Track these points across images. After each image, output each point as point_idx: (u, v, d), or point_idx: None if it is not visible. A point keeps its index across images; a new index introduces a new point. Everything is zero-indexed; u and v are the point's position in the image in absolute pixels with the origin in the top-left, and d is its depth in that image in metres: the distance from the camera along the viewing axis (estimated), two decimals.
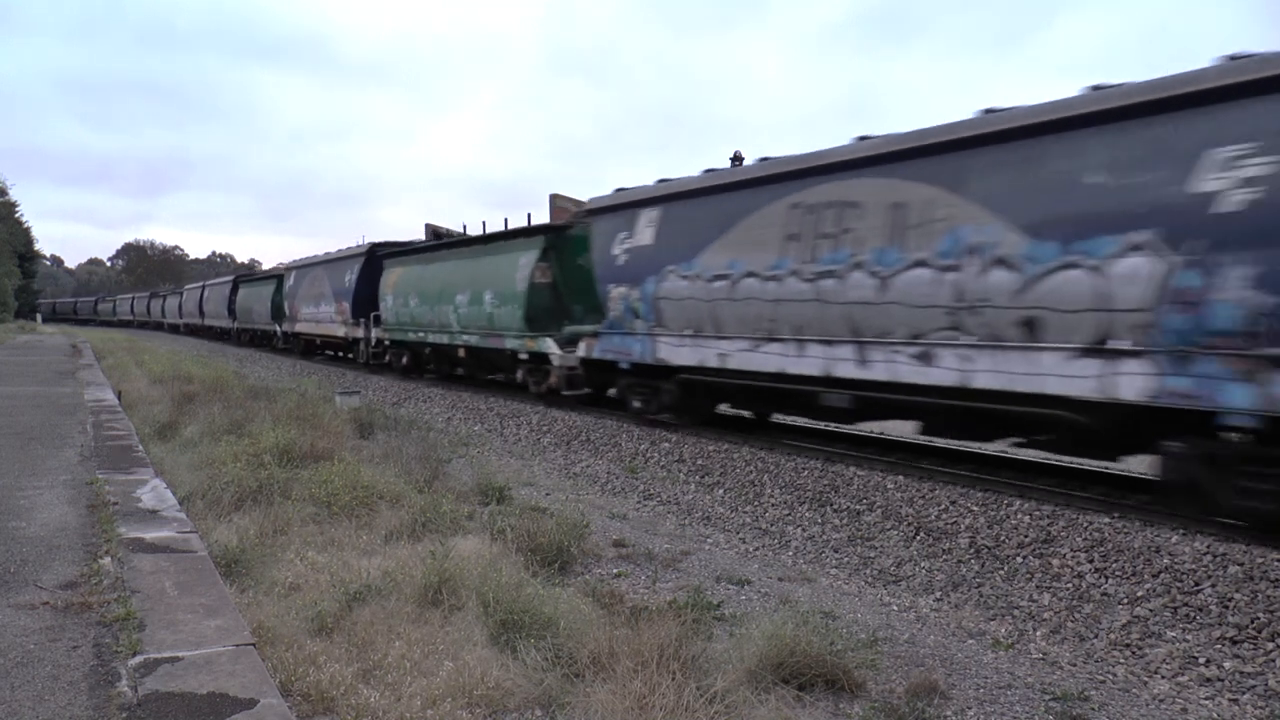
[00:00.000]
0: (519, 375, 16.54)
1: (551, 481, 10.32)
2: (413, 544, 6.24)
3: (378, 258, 23.38)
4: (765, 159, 10.86)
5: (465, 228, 23.45)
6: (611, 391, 14.49)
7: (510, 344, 16.25)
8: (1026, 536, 7.11)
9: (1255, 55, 6.61)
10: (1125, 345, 7.09)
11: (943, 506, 7.96)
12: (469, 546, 6.06)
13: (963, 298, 8.18)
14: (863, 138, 9.52)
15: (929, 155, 8.62)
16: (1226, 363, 6.49)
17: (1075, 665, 5.23)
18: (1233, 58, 6.71)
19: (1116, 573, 6.32)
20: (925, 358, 8.58)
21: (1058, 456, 9.53)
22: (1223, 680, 4.97)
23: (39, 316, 68.86)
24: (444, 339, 19.04)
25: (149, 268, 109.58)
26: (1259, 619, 5.42)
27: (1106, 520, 7.09)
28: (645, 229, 12.44)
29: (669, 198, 12.11)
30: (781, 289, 10.09)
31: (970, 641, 5.54)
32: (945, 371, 8.39)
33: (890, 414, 10.09)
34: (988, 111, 8.26)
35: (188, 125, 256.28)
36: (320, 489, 7.30)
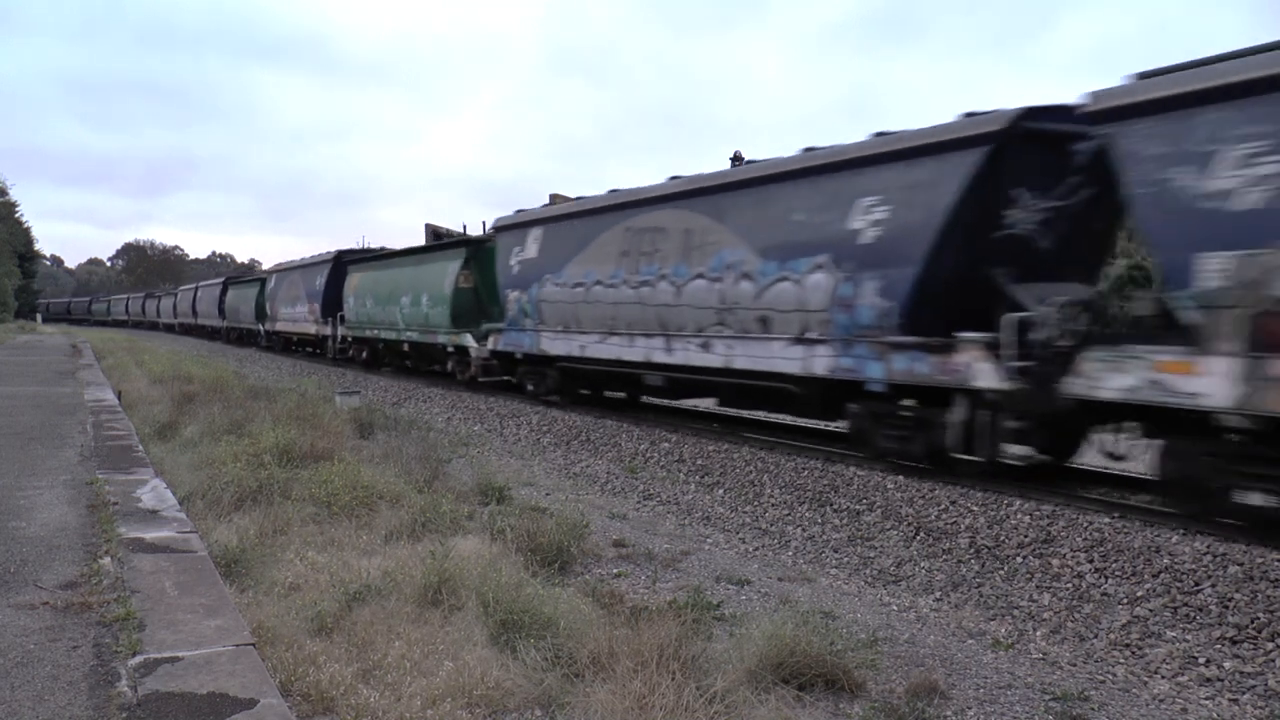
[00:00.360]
0: (449, 366, 19.48)
1: (551, 481, 10.32)
2: (413, 544, 6.24)
3: (343, 263, 26.31)
4: (613, 191, 13.65)
5: (465, 228, 23.75)
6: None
7: (441, 339, 19.27)
8: (1026, 536, 7.11)
9: (888, 134, 9.32)
10: (815, 336, 9.75)
11: (943, 506, 7.96)
12: (469, 546, 6.06)
13: (725, 302, 10.97)
14: (674, 178, 12.38)
15: (706, 194, 11.47)
16: (870, 347, 9.09)
17: (1075, 665, 5.23)
18: (879, 134, 9.39)
19: (1116, 573, 6.32)
20: (706, 346, 11.34)
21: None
22: (1223, 680, 4.97)
23: (39, 316, 68.87)
24: (393, 335, 22.01)
25: (149, 268, 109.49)
26: (1259, 619, 5.42)
27: (1106, 520, 7.09)
28: (532, 244, 15.36)
29: (549, 219, 15.05)
30: (618, 294, 12.97)
31: (970, 641, 5.54)
32: (717, 356, 11.16)
33: (693, 391, 12.90)
34: (745, 163, 11.20)
35: (188, 125, 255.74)
36: (320, 489, 7.30)
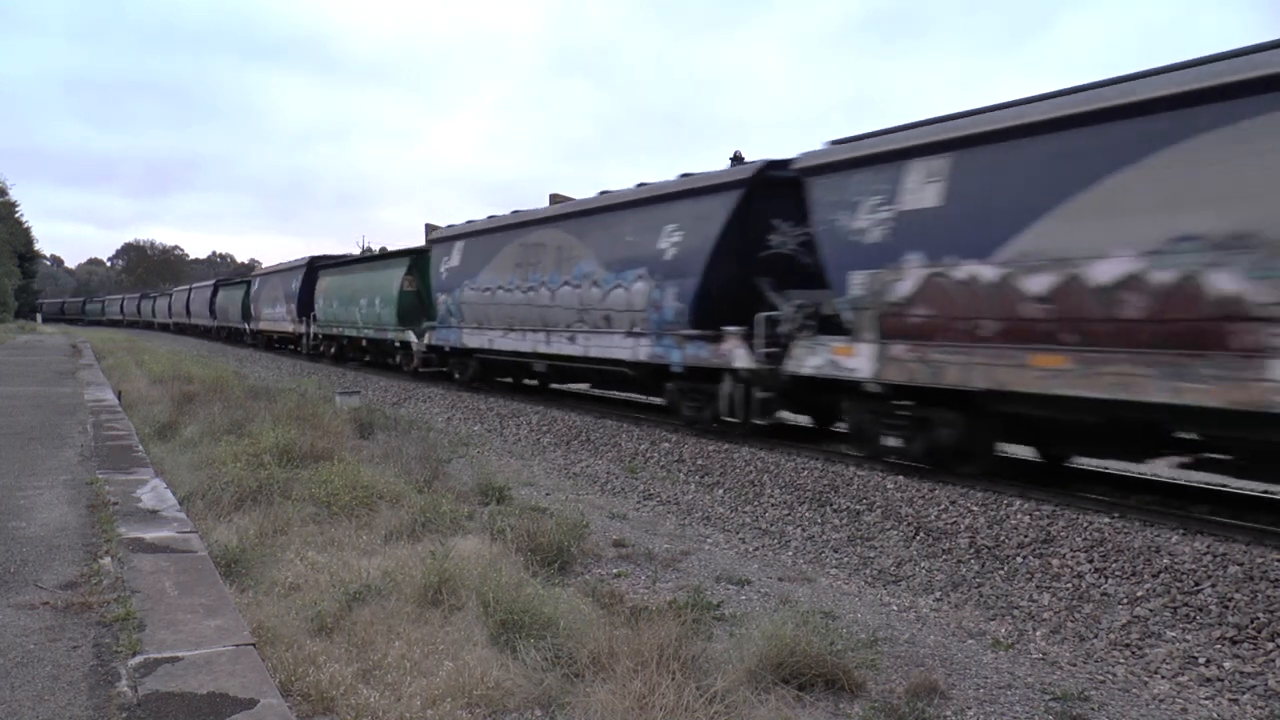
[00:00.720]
0: (397, 359, 22.54)
1: (551, 481, 10.32)
2: (412, 544, 6.24)
3: (315, 268, 29.31)
4: (515, 211, 16.66)
5: None
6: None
7: (390, 335, 22.29)
8: (1026, 536, 7.11)
9: (688, 175, 12.25)
10: (640, 330, 12.57)
11: (943, 506, 7.96)
12: (469, 546, 6.06)
13: (582, 304, 13.77)
14: (554, 201, 15.97)
15: (573, 217, 14.45)
16: (672, 338, 11.97)
17: (1075, 665, 5.23)
18: (682, 175, 12.32)
19: (1116, 573, 6.32)
20: (572, 339, 14.11)
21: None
22: (1223, 680, 4.97)
23: (39, 316, 68.90)
24: (354, 332, 25.17)
25: (149, 268, 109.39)
26: (1259, 619, 5.42)
27: (1106, 520, 7.09)
28: (456, 255, 18.29)
29: (468, 234, 17.97)
30: (513, 298, 15.86)
31: (970, 641, 5.53)
32: (579, 347, 13.93)
33: (568, 377, 16.12)
34: (602, 193, 14.06)
35: (189, 125, 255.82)
36: (320, 489, 7.30)
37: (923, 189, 8.52)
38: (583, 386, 17.04)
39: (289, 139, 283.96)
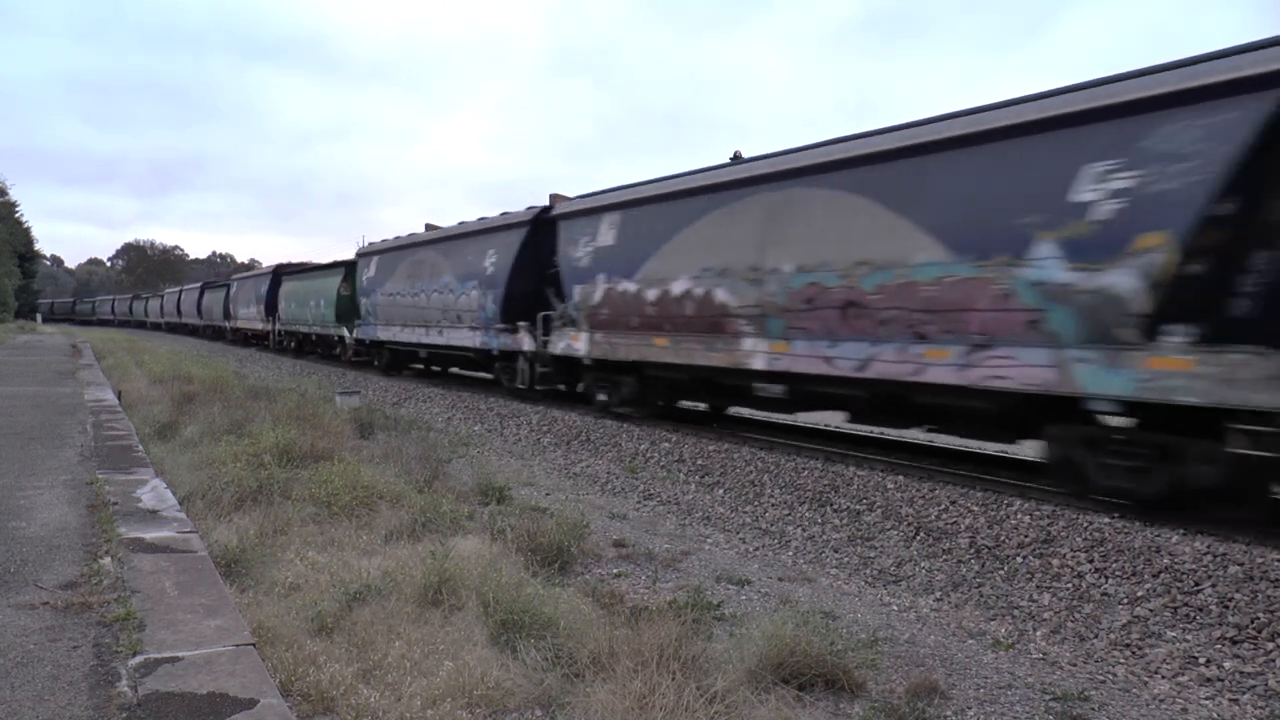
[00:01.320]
0: (337, 351, 27.73)
1: (551, 481, 10.31)
2: (413, 544, 6.23)
3: (279, 275, 34.47)
4: (411, 235, 21.51)
5: None
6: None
7: (331, 331, 27.60)
8: (1026, 536, 7.11)
9: (507, 213, 16.88)
10: (475, 325, 17.21)
11: (943, 506, 7.96)
12: (469, 546, 6.05)
13: (445, 306, 18.44)
14: (429, 226, 20.97)
15: (438, 242, 19.34)
16: (492, 331, 16.58)
17: (1075, 665, 5.23)
18: (503, 213, 16.80)
19: (1116, 573, 6.32)
20: (441, 333, 18.79)
21: None
22: (1223, 680, 4.97)
23: (39, 316, 68.94)
24: (305, 329, 30.23)
25: (149, 268, 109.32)
26: (1259, 619, 5.42)
27: (1106, 520, 7.09)
28: (373, 267, 23.03)
29: (380, 251, 22.75)
30: (407, 301, 20.56)
31: (970, 641, 5.53)
32: (445, 338, 18.60)
33: (443, 362, 21.57)
34: (459, 223, 18.73)
35: (190, 125, 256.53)
36: (320, 489, 7.29)
37: (608, 233, 13.28)
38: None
39: (289, 139, 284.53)
